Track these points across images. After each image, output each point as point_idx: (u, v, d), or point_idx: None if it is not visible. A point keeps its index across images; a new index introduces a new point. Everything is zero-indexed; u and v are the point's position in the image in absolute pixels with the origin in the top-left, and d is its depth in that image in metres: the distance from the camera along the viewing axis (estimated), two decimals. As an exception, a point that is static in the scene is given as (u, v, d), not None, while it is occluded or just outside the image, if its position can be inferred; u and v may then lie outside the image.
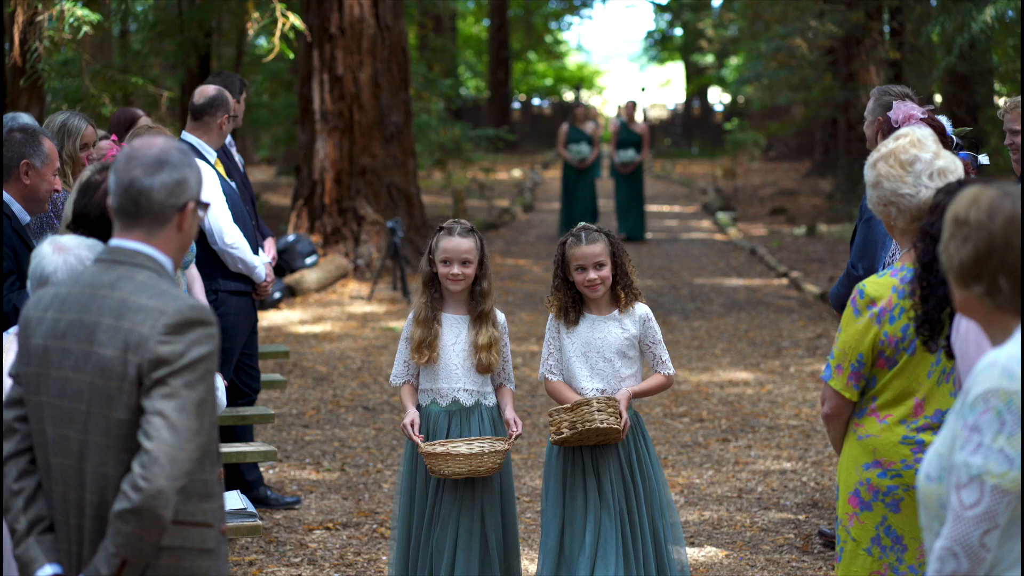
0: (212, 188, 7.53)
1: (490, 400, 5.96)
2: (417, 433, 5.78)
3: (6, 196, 6.01)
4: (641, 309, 5.94)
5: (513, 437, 5.82)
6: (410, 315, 6.00)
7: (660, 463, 6.01)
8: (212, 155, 7.73)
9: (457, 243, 5.85)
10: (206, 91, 7.82)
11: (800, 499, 8.19)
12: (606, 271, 5.86)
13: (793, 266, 17.81)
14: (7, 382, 3.91)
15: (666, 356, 5.98)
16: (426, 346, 5.87)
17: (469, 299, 5.96)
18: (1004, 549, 2.94)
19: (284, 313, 14.53)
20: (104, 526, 3.49)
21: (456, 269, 5.84)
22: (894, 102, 5.95)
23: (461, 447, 5.73)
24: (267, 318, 14.03)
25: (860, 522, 4.48)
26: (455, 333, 5.92)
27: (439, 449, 5.72)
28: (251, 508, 6.68)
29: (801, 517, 7.85)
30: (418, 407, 5.92)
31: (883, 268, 4.81)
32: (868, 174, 4.48)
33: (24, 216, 6.06)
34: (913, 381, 4.41)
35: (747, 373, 11.74)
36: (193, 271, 7.37)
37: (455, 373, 5.89)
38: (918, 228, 4.31)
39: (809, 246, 20.15)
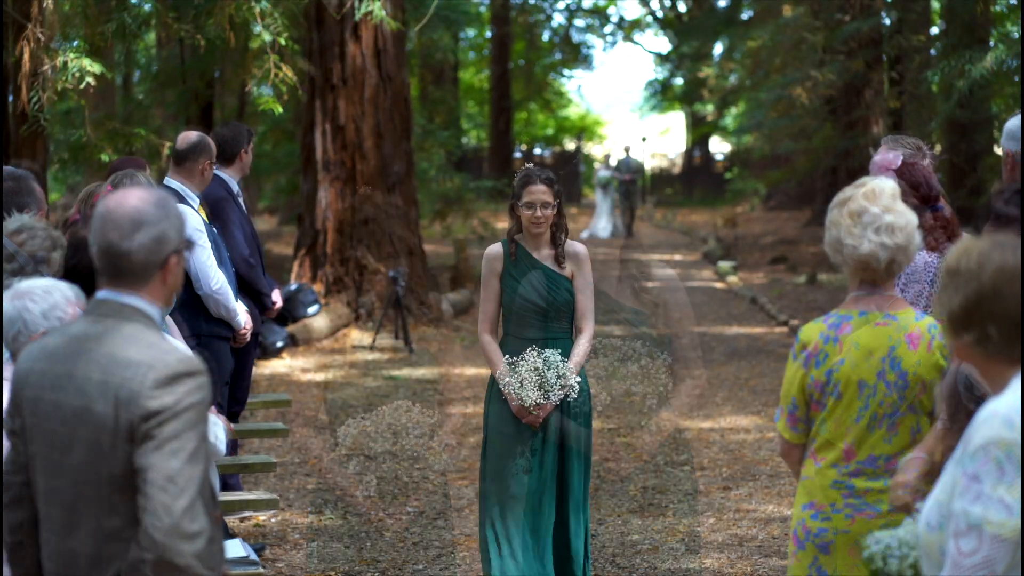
0: (196, 233, 7.56)
1: None
2: None
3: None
4: None
5: None
6: None
7: None
8: (195, 200, 7.81)
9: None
10: (188, 137, 7.91)
11: (802, 547, 8.18)
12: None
13: (794, 314, 17.82)
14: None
15: None
16: None
17: None
18: None
19: (287, 361, 14.55)
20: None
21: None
22: (877, 149, 5.96)
23: None
24: (270, 366, 14.04)
25: (797, 560, 4.55)
26: None
27: None
28: (253, 556, 6.69)
29: (803, 565, 7.84)
30: None
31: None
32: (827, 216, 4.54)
33: None
34: (841, 425, 4.44)
35: (748, 421, 11.74)
36: (169, 320, 7.40)
37: None
38: (860, 279, 4.43)
39: (810, 294, 20.17)
